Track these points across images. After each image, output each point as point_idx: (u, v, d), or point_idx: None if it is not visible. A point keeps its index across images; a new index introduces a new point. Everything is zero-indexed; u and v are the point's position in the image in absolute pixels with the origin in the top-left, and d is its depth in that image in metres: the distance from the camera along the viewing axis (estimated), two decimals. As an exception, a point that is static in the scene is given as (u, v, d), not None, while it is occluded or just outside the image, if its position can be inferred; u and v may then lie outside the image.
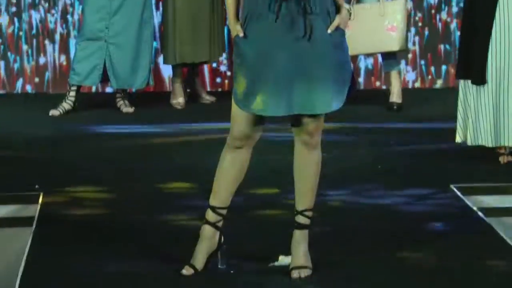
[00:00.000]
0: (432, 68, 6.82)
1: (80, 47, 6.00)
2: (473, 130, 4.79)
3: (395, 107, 5.96)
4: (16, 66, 6.72)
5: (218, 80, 6.84)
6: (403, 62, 6.56)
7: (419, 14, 6.74)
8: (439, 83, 6.83)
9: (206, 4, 6.13)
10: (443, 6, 6.76)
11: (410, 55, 6.71)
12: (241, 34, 3.34)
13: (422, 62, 6.82)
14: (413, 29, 6.69)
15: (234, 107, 3.35)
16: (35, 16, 6.74)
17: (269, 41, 3.31)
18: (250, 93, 3.31)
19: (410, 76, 6.80)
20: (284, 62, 3.31)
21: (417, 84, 6.82)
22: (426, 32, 6.77)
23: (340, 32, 3.39)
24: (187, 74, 6.44)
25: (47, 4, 6.74)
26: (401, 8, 5.71)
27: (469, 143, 4.82)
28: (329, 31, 3.33)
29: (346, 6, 3.42)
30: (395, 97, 5.97)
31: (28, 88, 6.74)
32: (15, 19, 6.75)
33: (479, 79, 4.76)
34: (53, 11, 6.76)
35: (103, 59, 5.97)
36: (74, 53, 6.17)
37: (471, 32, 4.81)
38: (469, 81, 4.81)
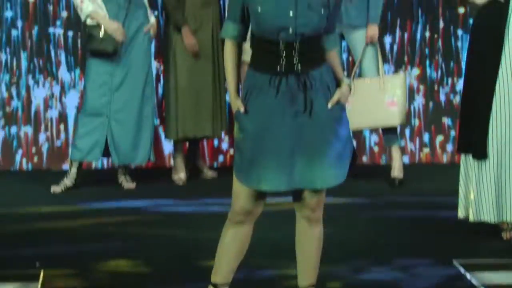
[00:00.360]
0: (437, 142, 6.80)
1: (82, 122, 5.96)
2: (475, 206, 4.72)
3: (396, 182, 5.92)
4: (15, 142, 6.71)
5: (220, 157, 6.80)
6: (407, 132, 6.59)
7: (422, 87, 6.74)
8: (442, 158, 6.78)
9: (208, 79, 6.13)
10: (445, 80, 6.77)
11: (414, 129, 6.70)
12: (242, 109, 3.33)
13: (426, 136, 6.81)
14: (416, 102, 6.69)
15: (236, 182, 3.33)
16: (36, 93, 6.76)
17: (269, 116, 3.30)
18: (252, 168, 3.28)
19: (413, 149, 6.77)
20: (285, 137, 3.30)
21: (420, 158, 6.80)
22: (431, 105, 6.76)
23: (340, 106, 3.39)
24: (188, 150, 6.42)
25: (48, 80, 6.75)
26: (401, 82, 5.71)
27: (471, 219, 4.74)
28: (329, 105, 3.33)
29: (346, 80, 3.40)
30: (397, 171, 5.93)
31: (29, 164, 6.72)
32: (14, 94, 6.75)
33: (480, 154, 4.70)
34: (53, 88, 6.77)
35: (104, 135, 5.93)
36: (75, 129, 6.14)
37: (471, 106, 4.78)
38: (471, 155, 4.76)
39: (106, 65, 5.91)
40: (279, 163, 3.27)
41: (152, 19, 6.10)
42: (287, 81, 3.30)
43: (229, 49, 3.45)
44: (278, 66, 3.30)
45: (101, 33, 5.84)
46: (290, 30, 3.28)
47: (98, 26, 5.84)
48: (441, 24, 6.73)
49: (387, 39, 6.62)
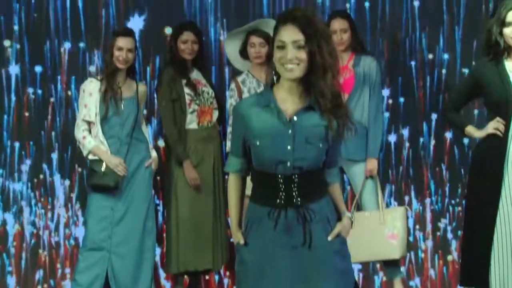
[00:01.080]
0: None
1: (82, 257, 5.84)
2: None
3: (401, 314, 5.77)
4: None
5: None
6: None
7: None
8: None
9: (209, 213, 6.04)
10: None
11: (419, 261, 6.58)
12: (242, 242, 3.29)
13: (431, 272, 6.67)
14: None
15: None
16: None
17: (268, 250, 3.25)
18: None
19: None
20: (285, 270, 3.23)
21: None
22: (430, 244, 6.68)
23: (341, 239, 3.34)
24: (189, 285, 6.27)
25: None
26: (401, 215, 5.63)
27: None
28: (329, 238, 3.28)
29: (348, 214, 3.36)
30: (401, 304, 5.80)
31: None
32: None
33: (483, 287, 4.63)
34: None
35: (105, 269, 5.81)
36: (77, 262, 5.99)
37: (473, 240, 4.73)
38: (474, 289, 4.68)
39: (107, 200, 5.84)
40: None
41: (154, 154, 6.06)
42: (286, 214, 3.25)
43: (233, 182, 3.44)
44: (277, 199, 3.26)
45: (103, 168, 5.80)
46: (288, 164, 3.25)
47: (100, 161, 5.81)
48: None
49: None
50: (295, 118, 3.28)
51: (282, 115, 3.29)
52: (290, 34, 3.27)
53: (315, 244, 3.26)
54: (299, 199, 3.27)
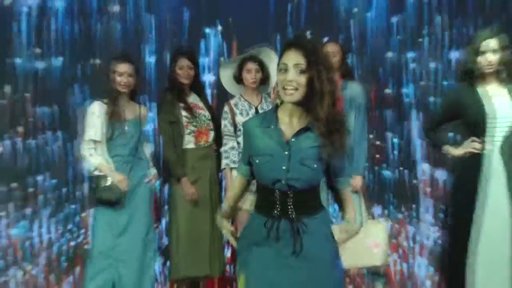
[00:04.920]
0: None
1: (91, 265, 5.67)
2: None
3: (382, 318, 5.65)
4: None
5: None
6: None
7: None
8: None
9: (206, 225, 5.91)
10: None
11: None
12: (224, 231, 3.36)
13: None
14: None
15: None
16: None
17: (266, 261, 3.17)
18: None
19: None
20: (283, 280, 3.13)
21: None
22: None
23: (334, 251, 3.24)
24: (190, 289, 6.14)
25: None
26: (383, 227, 5.53)
27: None
28: (336, 237, 3.26)
29: (350, 220, 3.31)
30: (382, 307, 5.67)
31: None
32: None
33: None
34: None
35: (112, 275, 5.65)
36: (86, 270, 5.80)
37: (454, 247, 4.63)
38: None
39: (112, 212, 5.69)
40: None
41: (153, 171, 5.93)
42: (280, 226, 3.16)
43: (238, 180, 3.41)
44: (274, 211, 3.18)
45: (107, 183, 5.66)
46: (283, 182, 3.15)
47: (104, 177, 5.66)
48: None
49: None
50: (292, 139, 3.19)
51: (281, 137, 3.20)
52: (293, 58, 3.14)
53: (307, 255, 3.15)
54: (294, 213, 3.18)
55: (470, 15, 6.40)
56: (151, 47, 6.65)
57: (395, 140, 6.61)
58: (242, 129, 3.50)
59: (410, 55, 6.60)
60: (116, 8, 6.58)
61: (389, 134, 6.62)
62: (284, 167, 3.14)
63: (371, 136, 6.48)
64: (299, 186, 3.15)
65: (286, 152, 3.15)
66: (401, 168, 6.60)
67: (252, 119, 3.33)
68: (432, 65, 6.53)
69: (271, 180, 3.16)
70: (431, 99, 6.47)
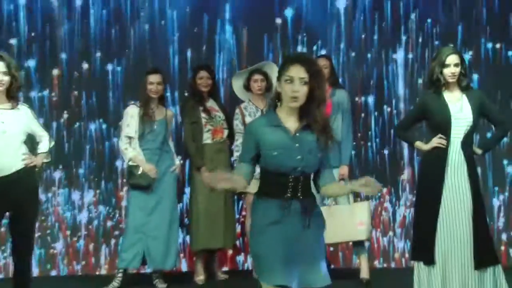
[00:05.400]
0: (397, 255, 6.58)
1: (126, 239, 5.75)
2: (428, 300, 4.53)
3: (364, 281, 5.63)
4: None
5: (230, 264, 6.52)
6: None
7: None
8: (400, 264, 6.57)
9: (221, 206, 5.94)
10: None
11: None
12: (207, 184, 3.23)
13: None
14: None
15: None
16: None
17: (280, 237, 3.19)
18: (271, 270, 3.16)
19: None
20: (294, 251, 3.20)
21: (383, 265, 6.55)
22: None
23: (323, 227, 3.31)
24: (207, 258, 6.16)
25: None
26: (366, 207, 5.52)
27: (426, 309, 4.55)
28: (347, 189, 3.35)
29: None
30: (364, 273, 5.65)
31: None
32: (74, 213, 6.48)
33: (429, 261, 4.54)
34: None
35: (143, 248, 5.71)
36: (121, 243, 5.89)
37: (421, 225, 4.63)
38: (422, 262, 4.59)
39: (143, 195, 5.75)
40: (289, 268, 3.16)
41: (177, 162, 5.98)
42: (292, 205, 3.20)
43: (236, 174, 3.29)
44: (287, 194, 3.21)
45: (139, 172, 5.71)
46: (299, 169, 3.19)
47: (137, 166, 5.72)
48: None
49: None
50: (297, 135, 3.24)
51: (288, 133, 3.24)
52: (298, 72, 3.20)
53: (310, 227, 3.23)
54: (301, 193, 3.23)
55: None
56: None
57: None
58: (245, 131, 3.40)
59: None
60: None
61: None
62: (299, 157, 3.18)
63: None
64: (308, 172, 3.22)
65: (297, 145, 3.20)
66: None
67: (257, 120, 3.36)
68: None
69: (289, 168, 3.18)
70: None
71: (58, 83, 6.49)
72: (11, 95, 4.44)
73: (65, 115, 6.48)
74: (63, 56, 6.48)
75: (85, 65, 6.49)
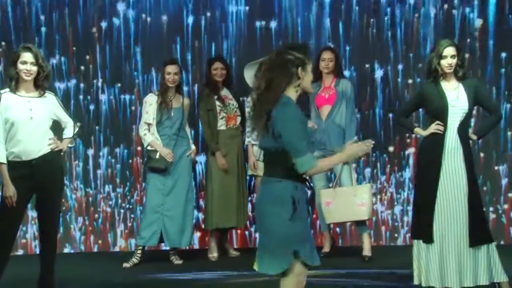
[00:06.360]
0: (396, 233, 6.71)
1: (144, 218, 5.92)
2: (425, 275, 4.70)
3: (366, 259, 5.80)
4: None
5: (242, 242, 6.67)
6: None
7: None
8: (399, 242, 6.69)
9: (234, 188, 6.10)
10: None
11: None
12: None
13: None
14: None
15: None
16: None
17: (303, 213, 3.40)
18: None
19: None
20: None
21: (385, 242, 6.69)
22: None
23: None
24: (220, 236, 6.34)
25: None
26: (368, 189, 5.60)
27: (423, 284, 4.71)
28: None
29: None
30: (367, 251, 5.83)
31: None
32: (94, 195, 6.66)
33: (428, 239, 4.69)
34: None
35: (160, 227, 5.87)
36: (140, 222, 6.07)
37: (420, 206, 4.78)
38: (421, 240, 4.73)
39: (160, 178, 5.90)
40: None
41: (193, 146, 6.12)
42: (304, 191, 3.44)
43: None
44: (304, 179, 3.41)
45: (157, 156, 5.87)
46: None
47: (155, 151, 5.88)
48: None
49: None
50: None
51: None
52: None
53: None
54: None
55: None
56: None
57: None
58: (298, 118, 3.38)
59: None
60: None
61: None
62: None
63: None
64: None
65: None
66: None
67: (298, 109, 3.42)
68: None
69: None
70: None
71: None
72: (38, 84, 4.59)
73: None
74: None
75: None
